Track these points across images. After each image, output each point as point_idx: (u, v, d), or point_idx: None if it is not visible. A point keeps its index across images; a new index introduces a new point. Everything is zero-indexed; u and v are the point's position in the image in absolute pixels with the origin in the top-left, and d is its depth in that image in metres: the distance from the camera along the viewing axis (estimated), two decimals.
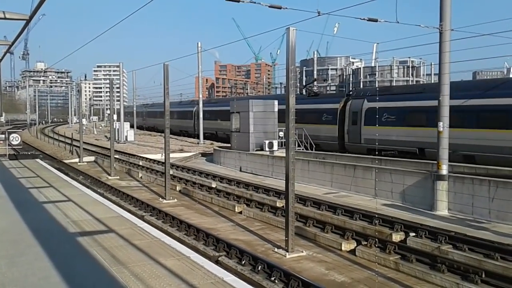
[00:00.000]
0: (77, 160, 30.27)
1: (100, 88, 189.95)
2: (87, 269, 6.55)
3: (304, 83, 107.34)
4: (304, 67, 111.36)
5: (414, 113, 22.39)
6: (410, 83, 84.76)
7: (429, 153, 19.40)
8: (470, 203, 13.32)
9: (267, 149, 24.32)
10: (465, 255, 9.74)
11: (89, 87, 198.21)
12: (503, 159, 17.08)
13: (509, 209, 12.29)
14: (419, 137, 21.27)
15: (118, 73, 57.27)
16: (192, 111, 50.63)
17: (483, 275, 8.36)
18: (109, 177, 22.95)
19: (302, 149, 25.78)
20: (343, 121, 27.21)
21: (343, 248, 10.88)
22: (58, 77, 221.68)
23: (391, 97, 24.23)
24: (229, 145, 28.60)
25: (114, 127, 43.66)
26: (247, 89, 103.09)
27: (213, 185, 19.46)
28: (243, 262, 9.71)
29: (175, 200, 17.05)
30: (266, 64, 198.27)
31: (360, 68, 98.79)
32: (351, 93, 29.88)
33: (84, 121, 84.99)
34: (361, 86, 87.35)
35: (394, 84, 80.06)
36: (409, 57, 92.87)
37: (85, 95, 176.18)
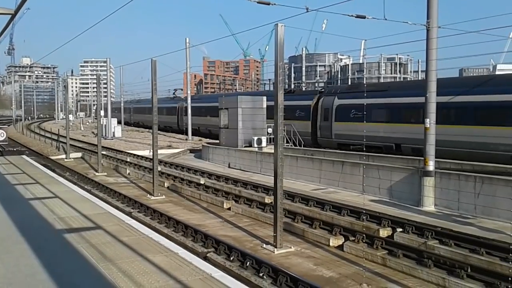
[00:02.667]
0: (63, 156, 29.94)
1: (87, 83, 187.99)
2: (74, 266, 6.49)
3: (293, 80, 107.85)
4: (293, 64, 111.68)
5: (380, 109, 24.07)
6: (398, 80, 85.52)
7: (385, 146, 22.82)
8: (456, 198, 13.48)
9: (255, 145, 24.35)
10: (451, 250, 9.86)
11: (76, 83, 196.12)
12: None
13: (494, 205, 12.46)
14: (386, 133, 23.21)
15: (105, 68, 56.65)
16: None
17: (469, 270, 8.46)
18: (97, 174, 22.75)
19: (291, 146, 25.85)
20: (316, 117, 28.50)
21: (331, 244, 10.93)
22: (44, 73, 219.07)
23: (358, 95, 25.03)
24: (217, 141, 28.54)
25: (101, 123, 43.42)
26: (236, 85, 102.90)
27: (202, 182, 19.41)
28: (231, 258, 9.71)
29: (163, 196, 16.97)
30: (254, 60, 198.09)
31: (348, 64, 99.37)
32: (323, 90, 31.01)
33: (70, 117, 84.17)
34: (349, 83, 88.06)
35: (382, 81, 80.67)
36: (397, 54, 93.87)
37: (72, 90, 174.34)
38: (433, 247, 10.16)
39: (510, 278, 7.45)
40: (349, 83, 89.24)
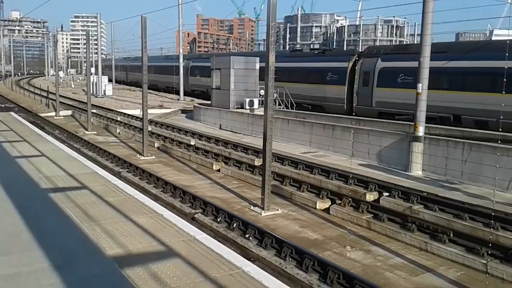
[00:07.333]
0: (53, 114, 29.62)
1: (78, 39, 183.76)
2: (58, 226, 6.48)
3: (288, 40, 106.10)
4: (288, 24, 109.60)
5: (436, 74, 19.89)
6: (393, 43, 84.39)
7: (441, 118, 19.62)
8: (444, 164, 13.56)
9: (247, 107, 24.16)
10: (435, 215, 10.01)
11: (67, 39, 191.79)
12: None
13: (480, 171, 12.55)
14: (443, 102, 19.66)
15: (96, 24, 55.20)
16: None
17: (451, 235, 8.61)
18: (86, 132, 22.59)
19: (283, 108, 25.70)
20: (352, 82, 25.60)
21: (317, 207, 11.05)
22: (34, 27, 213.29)
23: (408, 56, 21.25)
24: (209, 102, 28.31)
25: (92, 80, 42.76)
26: (230, 45, 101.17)
27: (192, 143, 19.36)
28: (218, 219, 9.79)
29: (153, 156, 16.93)
30: (249, 20, 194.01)
31: (344, 26, 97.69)
32: (362, 51, 27.41)
33: (61, 73, 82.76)
34: (345, 45, 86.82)
35: (378, 44, 79.53)
36: (394, 16, 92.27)
37: (62, 46, 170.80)
38: (418, 211, 10.30)
39: (490, 244, 7.60)
40: (345, 45, 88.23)
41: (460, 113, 19.55)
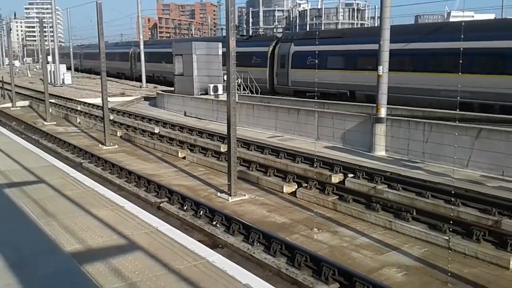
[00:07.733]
0: (9, 105, 28.38)
1: (34, 27, 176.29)
2: (13, 223, 6.17)
3: (250, 25, 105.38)
4: (251, 8, 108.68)
5: (334, 56, 24.40)
6: (355, 26, 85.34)
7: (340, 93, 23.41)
8: (406, 144, 13.82)
9: (211, 93, 23.87)
10: (399, 194, 10.19)
11: (21, 27, 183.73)
12: None
13: (441, 150, 12.84)
14: (341, 80, 23.65)
15: (51, 11, 52.91)
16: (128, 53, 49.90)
17: (414, 213, 8.79)
18: (45, 123, 21.75)
19: (247, 93, 25.55)
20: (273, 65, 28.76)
21: (284, 191, 11.05)
22: None
23: (314, 41, 25.34)
24: (173, 88, 27.79)
25: (49, 69, 41.15)
26: (192, 30, 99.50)
27: (156, 130, 18.98)
28: (185, 207, 9.63)
29: (116, 146, 16.49)
30: (211, 4, 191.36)
31: (306, 10, 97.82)
32: (280, 36, 31.14)
33: (17, 63, 79.31)
34: (308, 28, 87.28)
35: (340, 27, 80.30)
36: (355, 0, 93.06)
37: (17, 35, 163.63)
38: (382, 191, 10.46)
39: (451, 221, 7.78)
40: (307, 29, 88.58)
41: (353, 89, 22.99)
